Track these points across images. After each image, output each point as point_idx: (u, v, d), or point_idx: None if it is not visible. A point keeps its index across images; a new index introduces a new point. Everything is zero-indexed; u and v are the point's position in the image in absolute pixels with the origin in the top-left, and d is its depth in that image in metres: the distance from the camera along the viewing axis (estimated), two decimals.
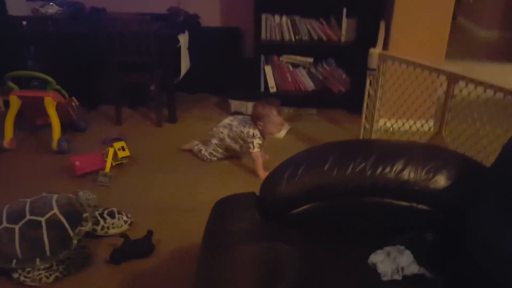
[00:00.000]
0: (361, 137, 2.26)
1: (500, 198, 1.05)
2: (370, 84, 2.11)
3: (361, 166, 1.16)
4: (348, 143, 1.28)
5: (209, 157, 2.44)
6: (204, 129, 2.83)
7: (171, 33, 2.82)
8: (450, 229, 1.11)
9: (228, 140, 2.39)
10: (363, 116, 2.22)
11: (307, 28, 3.03)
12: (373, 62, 2.04)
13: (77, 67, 3.00)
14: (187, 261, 1.65)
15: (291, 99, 3.16)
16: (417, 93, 2.00)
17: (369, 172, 1.15)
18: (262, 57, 3.11)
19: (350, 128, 2.81)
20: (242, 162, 2.47)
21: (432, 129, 2.16)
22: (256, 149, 2.30)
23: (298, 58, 3.12)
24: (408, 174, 1.15)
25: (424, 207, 1.14)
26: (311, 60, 3.11)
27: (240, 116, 2.45)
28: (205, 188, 2.18)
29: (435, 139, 1.87)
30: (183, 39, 2.91)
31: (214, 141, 2.43)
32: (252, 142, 2.30)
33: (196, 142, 2.53)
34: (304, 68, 3.13)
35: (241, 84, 3.14)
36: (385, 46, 2.57)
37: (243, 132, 2.33)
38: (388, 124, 2.39)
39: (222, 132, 2.41)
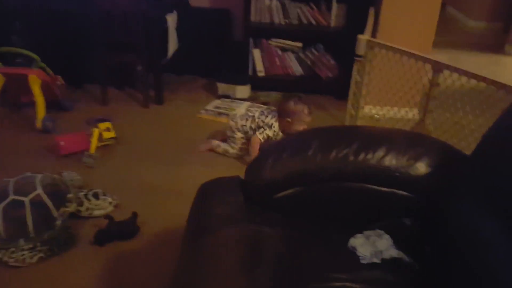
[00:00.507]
0: (346, 124, 2.29)
1: (478, 185, 1.07)
2: (357, 71, 2.12)
3: (344, 152, 1.18)
4: (332, 129, 1.29)
5: (240, 153, 2.32)
6: (191, 111, 2.83)
7: (159, 13, 2.78)
8: (429, 215, 1.14)
9: (251, 132, 2.29)
10: (349, 103, 2.23)
11: (297, 12, 3.02)
12: (360, 48, 2.04)
13: (63, 44, 2.94)
14: (171, 243, 1.67)
15: (278, 84, 3.16)
16: (402, 81, 2.02)
17: (351, 158, 1.17)
18: (251, 40, 3.10)
19: (336, 115, 2.83)
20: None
21: (416, 116, 2.18)
22: (260, 137, 2.24)
23: (287, 43, 3.11)
24: (390, 160, 1.17)
25: (404, 193, 1.17)
26: (300, 44, 3.10)
27: (263, 107, 2.33)
28: (192, 172, 2.19)
29: (418, 127, 1.90)
30: (171, 18, 2.87)
31: (239, 135, 2.32)
32: (263, 131, 2.24)
33: (217, 142, 2.39)
34: (293, 52, 3.12)
35: (229, 67, 3.13)
36: (374, 33, 2.58)
37: (263, 122, 2.26)
38: (374, 111, 2.42)
39: (244, 125, 2.31)
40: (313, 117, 2.85)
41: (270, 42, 3.11)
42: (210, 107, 2.91)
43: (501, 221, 0.95)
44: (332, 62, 3.08)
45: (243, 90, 3.04)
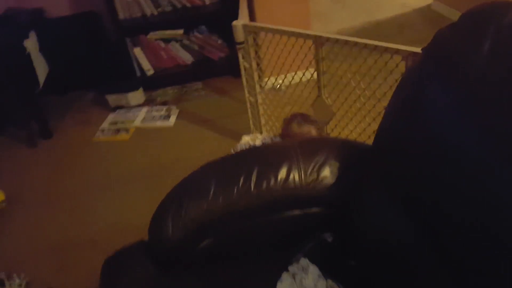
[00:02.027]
0: (248, 107, 2.17)
1: (382, 178, 1.04)
2: (242, 58, 2.00)
3: (246, 185, 1.08)
4: (227, 160, 1.18)
5: None
6: (86, 136, 2.58)
7: (14, 42, 2.42)
8: (346, 224, 1.10)
9: None
10: (246, 91, 2.13)
11: None
12: (239, 35, 1.91)
13: None
14: None
15: (172, 78, 2.97)
16: (292, 55, 1.93)
17: (255, 190, 1.08)
18: (128, 40, 2.84)
19: (238, 96, 2.71)
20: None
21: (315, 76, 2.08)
22: None
23: (167, 33, 2.89)
24: (293, 181, 1.09)
25: (316, 210, 1.11)
26: (181, 32, 2.90)
27: (265, 137, 1.91)
28: (103, 212, 2.00)
29: (317, 104, 1.85)
30: (31, 43, 2.52)
31: None
32: None
33: None
34: (176, 41, 2.92)
35: (114, 75, 2.86)
36: (252, 15, 2.47)
37: None
38: (275, 82, 2.33)
39: None
40: (217, 106, 2.74)
41: (149, 36, 2.87)
42: (105, 125, 2.66)
43: (412, 220, 0.93)
44: (220, 41, 2.92)
45: (136, 96, 2.81)
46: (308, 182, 1.10)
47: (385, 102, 1.59)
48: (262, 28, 1.86)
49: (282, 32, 1.80)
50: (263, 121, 2.20)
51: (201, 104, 2.76)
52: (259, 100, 2.14)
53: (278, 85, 2.50)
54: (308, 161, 1.12)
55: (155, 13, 2.80)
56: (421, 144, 0.92)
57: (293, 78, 1.98)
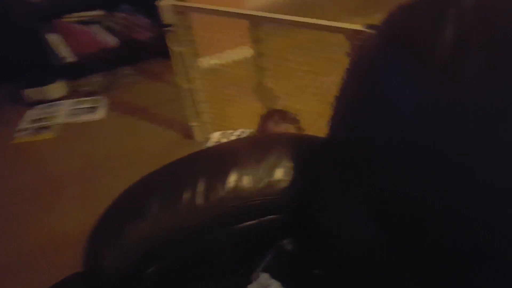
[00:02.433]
0: (183, 95, 2.01)
1: (340, 174, 0.96)
2: (172, 42, 1.82)
3: (192, 199, 0.95)
4: (169, 170, 1.04)
5: None
6: (3, 139, 2.29)
7: None
8: (306, 229, 1.01)
9: None
10: (177, 78, 1.95)
11: None
12: (167, 16, 1.73)
13: None
14: None
15: (98, 64, 2.70)
16: (227, 36, 1.79)
17: (202, 204, 0.96)
18: (41, 25, 2.52)
19: (174, 80, 2.52)
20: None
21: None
22: None
23: (86, 14, 2.60)
24: (245, 188, 0.98)
25: (271, 216, 1.01)
26: (101, 12, 2.62)
27: (241, 132, 1.70)
28: (31, 225, 1.78)
29: (260, 89, 1.73)
30: None
31: None
32: None
33: None
34: (98, 23, 2.64)
35: (29, 64, 2.53)
36: None
37: None
38: (212, 62, 2.16)
39: None
40: (150, 92, 2.53)
41: (64, 20, 2.56)
42: (25, 124, 2.37)
43: (375, 220, 0.86)
44: (146, 20, 2.68)
45: (58, 88, 2.53)
46: (260, 188, 0.99)
47: (327, 78, 1.51)
48: (193, 8, 1.69)
49: (214, 12, 1.64)
50: (201, 109, 2.05)
51: (133, 92, 2.55)
52: (195, 87, 1.98)
53: (218, 65, 2.34)
54: (259, 164, 1.01)
55: None
56: (380, 137, 0.84)
57: (229, 57, 1.83)
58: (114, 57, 2.70)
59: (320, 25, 1.43)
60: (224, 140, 1.65)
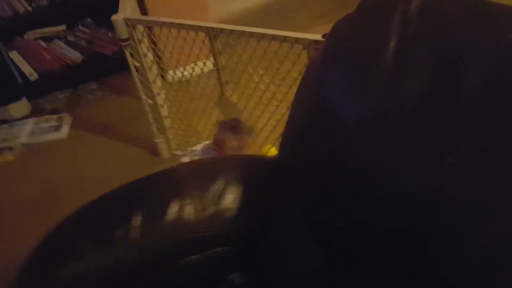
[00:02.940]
0: (147, 110, 1.93)
1: (288, 199, 0.89)
2: (131, 56, 1.74)
3: (126, 235, 0.87)
4: (103, 203, 0.96)
5: None
6: None
7: None
8: (256, 261, 0.94)
9: None
10: (141, 93, 1.87)
11: None
12: (121, 31, 1.65)
13: None
14: None
15: (61, 81, 2.61)
16: (188, 49, 1.70)
17: (140, 240, 0.87)
18: (1, 43, 2.42)
19: (138, 95, 2.44)
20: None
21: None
22: None
23: (47, 30, 2.50)
24: (188, 219, 0.91)
25: (218, 249, 0.93)
26: (63, 27, 2.53)
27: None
28: None
29: (222, 102, 1.66)
30: None
31: None
32: None
33: None
34: (60, 39, 2.54)
35: None
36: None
37: None
38: (178, 74, 2.08)
39: None
40: (116, 109, 2.43)
41: (26, 36, 2.47)
42: None
43: (326, 253, 0.79)
44: (110, 34, 2.60)
45: (20, 107, 2.43)
46: (205, 218, 0.91)
47: (288, 90, 1.45)
48: (146, 22, 1.61)
49: (170, 25, 1.57)
50: (167, 124, 1.97)
51: (98, 108, 2.45)
52: (159, 102, 1.90)
53: (184, 78, 2.26)
54: (204, 191, 0.94)
55: (30, 9, 2.40)
56: (324, 157, 0.77)
57: (193, 70, 1.75)
58: (78, 72, 2.61)
59: (276, 35, 1.37)
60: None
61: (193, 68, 1.72)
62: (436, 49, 0.64)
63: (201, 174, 0.97)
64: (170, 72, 2.05)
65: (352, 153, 0.68)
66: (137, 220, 0.88)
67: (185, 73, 1.95)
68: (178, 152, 2.04)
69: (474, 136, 0.55)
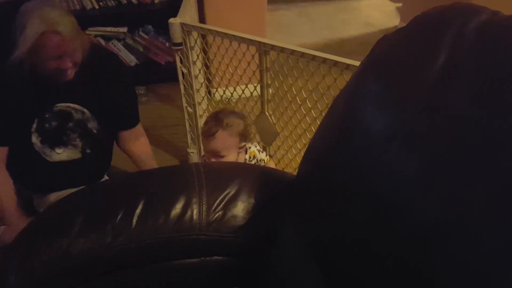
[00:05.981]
0: (185, 118, 1.91)
1: (296, 220, 0.80)
2: (180, 62, 1.75)
3: (125, 222, 0.81)
4: (106, 188, 0.91)
5: None
6: None
7: None
8: (256, 279, 0.85)
9: None
10: (184, 101, 1.87)
11: None
12: (176, 35, 1.66)
13: None
14: None
15: None
16: (238, 63, 1.69)
17: (136, 229, 0.81)
18: None
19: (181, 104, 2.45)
20: None
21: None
22: None
23: (109, 29, 2.60)
24: (191, 219, 0.84)
25: (218, 257, 0.85)
26: (125, 29, 2.61)
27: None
28: None
29: (260, 120, 1.61)
30: None
31: None
32: None
33: None
34: (119, 40, 2.63)
35: None
36: (202, 14, 2.24)
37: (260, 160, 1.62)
38: (224, 94, 2.06)
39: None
40: (159, 115, 2.45)
41: (87, 32, 2.56)
42: None
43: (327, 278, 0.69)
44: (167, 44, 2.65)
45: None
46: (210, 222, 0.84)
47: None
48: (200, 29, 1.61)
49: (223, 35, 1.56)
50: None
51: (140, 111, 2.46)
52: (199, 112, 1.88)
53: (227, 99, 2.25)
54: (214, 194, 0.87)
55: (96, 7, 2.51)
56: (343, 178, 0.69)
57: (243, 92, 1.72)
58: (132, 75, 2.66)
59: (327, 59, 1.32)
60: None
61: (243, 91, 1.70)
62: (486, 68, 0.56)
63: (215, 175, 0.91)
64: (217, 90, 2.05)
65: (371, 167, 0.60)
66: (140, 208, 0.83)
67: (227, 94, 1.91)
68: None
69: None
